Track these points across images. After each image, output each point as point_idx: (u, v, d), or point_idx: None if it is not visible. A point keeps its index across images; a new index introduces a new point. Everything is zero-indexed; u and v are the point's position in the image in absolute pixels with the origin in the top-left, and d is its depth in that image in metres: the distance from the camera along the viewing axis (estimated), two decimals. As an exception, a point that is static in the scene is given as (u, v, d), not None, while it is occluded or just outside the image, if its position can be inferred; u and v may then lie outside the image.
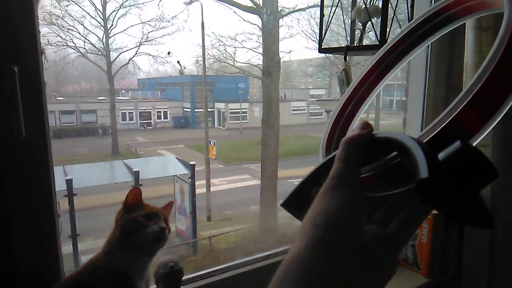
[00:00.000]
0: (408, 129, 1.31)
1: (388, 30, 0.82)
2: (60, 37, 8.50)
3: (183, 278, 0.75)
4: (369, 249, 0.31)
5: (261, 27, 6.19)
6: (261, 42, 6.27)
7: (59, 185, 4.50)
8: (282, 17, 6.14)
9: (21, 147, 0.60)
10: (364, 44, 0.86)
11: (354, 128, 0.38)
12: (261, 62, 6.24)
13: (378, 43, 0.81)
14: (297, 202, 0.39)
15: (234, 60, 7.89)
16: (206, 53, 7.88)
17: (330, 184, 0.33)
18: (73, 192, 4.46)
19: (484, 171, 0.29)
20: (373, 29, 0.84)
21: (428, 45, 0.55)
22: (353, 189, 0.32)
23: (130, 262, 0.64)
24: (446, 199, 0.29)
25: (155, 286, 0.73)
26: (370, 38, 0.90)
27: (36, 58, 0.62)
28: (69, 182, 4.45)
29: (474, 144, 0.31)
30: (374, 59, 0.50)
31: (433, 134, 0.32)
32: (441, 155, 0.29)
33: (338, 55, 0.87)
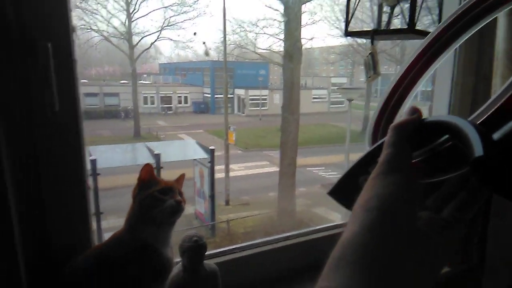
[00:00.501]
0: (433, 117, 1.28)
1: (416, 14, 0.80)
2: (84, 20, 8.62)
3: (206, 253, 0.78)
4: (424, 235, 0.31)
5: (283, 12, 6.10)
6: (283, 28, 6.19)
7: (84, 165, 4.65)
8: (305, 3, 6.03)
9: (54, 121, 0.63)
10: (391, 28, 0.84)
11: (402, 113, 0.38)
12: (282, 49, 6.18)
13: (406, 27, 0.80)
14: (344, 191, 0.39)
15: (255, 46, 7.85)
16: (227, 38, 7.87)
17: (381, 170, 0.33)
18: (97, 172, 4.60)
19: None
20: (401, 13, 0.82)
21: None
22: (405, 174, 0.32)
23: (152, 234, 0.67)
24: (502, 179, 0.27)
25: (180, 259, 0.76)
26: (395, 25, 0.88)
27: (68, 35, 0.64)
28: (93, 162, 4.60)
29: None
30: (424, 42, 0.48)
31: (485, 117, 0.31)
32: (496, 135, 0.29)
33: (361, 43, 0.85)
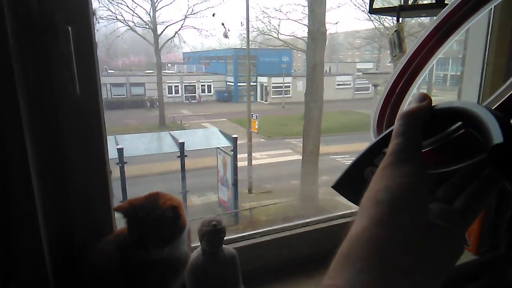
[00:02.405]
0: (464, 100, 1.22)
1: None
2: (110, 10, 8.79)
3: (225, 238, 0.78)
4: (436, 228, 0.29)
5: (307, -3, 5.96)
6: (307, 13, 6.07)
7: (111, 153, 4.79)
8: (330, -14, 5.87)
9: (76, 104, 0.64)
10: (419, 3, 0.80)
11: (411, 101, 0.36)
12: (306, 35, 6.07)
13: (435, 2, 0.75)
14: (349, 184, 0.38)
15: (278, 32, 7.74)
16: (250, 25, 7.80)
17: (390, 160, 0.31)
18: (124, 160, 4.73)
19: None
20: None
21: (491, 7, 0.49)
22: (415, 164, 0.31)
23: None
24: None
25: (199, 243, 0.77)
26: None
27: (88, 19, 0.64)
28: (120, 151, 4.72)
29: None
30: (433, 23, 0.45)
31: (502, 100, 0.29)
32: None
33: (388, 27, 0.81)
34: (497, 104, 0.29)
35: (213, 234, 0.74)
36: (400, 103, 0.45)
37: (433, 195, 0.34)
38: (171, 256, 0.64)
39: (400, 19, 0.76)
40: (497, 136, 0.25)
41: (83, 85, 0.63)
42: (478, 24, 1.14)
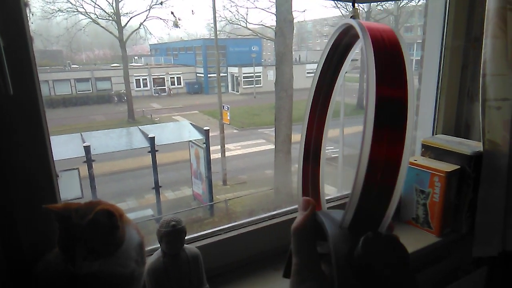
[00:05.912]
0: (424, 85, 1.24)
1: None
2: (70, 2, 8.38)
3: (187, 237, 0.75)
4: None
5: (273, -16, 5.91)
6: (274, 1, 6.02)
7: (78, 151, 4.63)
8: (296, -27, 5.82)
9: (10, 106, 0.58)
10: (375, -11, 0.78)
11: (298, 208, 0.40)
12: (274, 23, 6.03)
13: (390, -13, 0.74)
14: None
15: (247, 21, 7.66)
16: (217, 15, 7.66)
17: (293, 282, 0.35)
18: (92, 158, 4.57)
19: (398, 257, 0.31)
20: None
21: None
22: (314, 281, 0.34)
23: None
24: None
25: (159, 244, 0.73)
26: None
27: (19, 9, 0.58)
28: (87, 149, 4.56)
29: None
30: (312, 87, 0.49)
31: (352, 217, 0.33)
32: (359, 247, 0.31)
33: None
34: (350, 221, 0.33)
35: (172, 235, 0.71)
36: (318, 167, 0.47)
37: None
38: (104, 272, 0.56)
39: (356, 4, 0.75)
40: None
41: (17, 84, 0.58)
42: (436, 8, 1.15)
